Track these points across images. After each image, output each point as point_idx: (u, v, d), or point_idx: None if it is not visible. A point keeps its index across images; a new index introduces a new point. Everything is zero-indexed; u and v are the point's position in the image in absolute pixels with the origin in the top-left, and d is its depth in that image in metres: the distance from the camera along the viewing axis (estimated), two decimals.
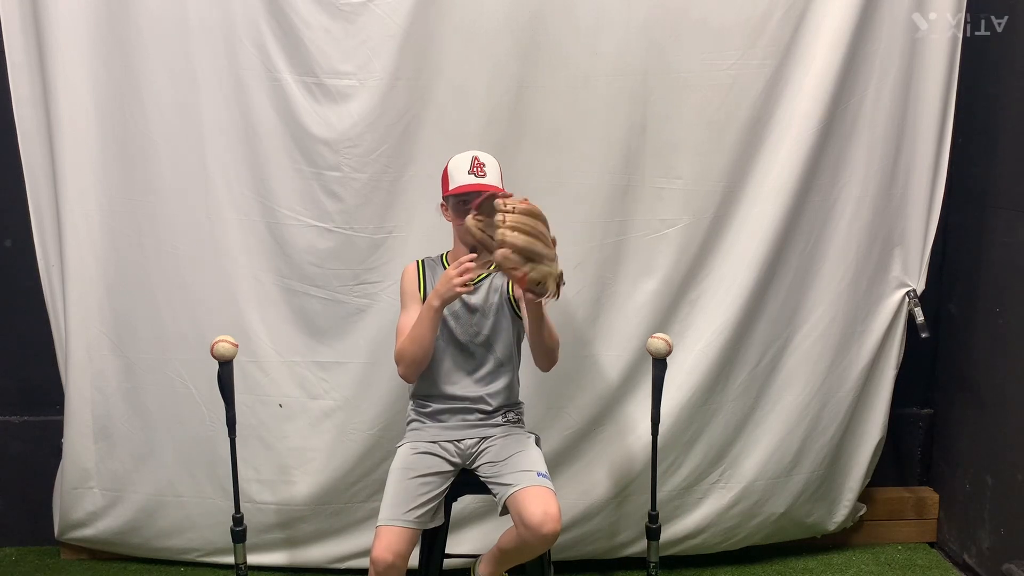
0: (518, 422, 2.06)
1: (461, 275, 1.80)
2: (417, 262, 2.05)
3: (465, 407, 1.99)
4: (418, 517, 1.85)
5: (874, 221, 2.36)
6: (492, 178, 1.93)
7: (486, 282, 2.01)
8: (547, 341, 1.90)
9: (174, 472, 2.43)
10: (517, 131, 2.24)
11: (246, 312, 2.32)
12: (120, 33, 2.20)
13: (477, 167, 1.92)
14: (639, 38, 2.21)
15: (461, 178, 1.92)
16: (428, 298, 1.87)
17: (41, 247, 2.37)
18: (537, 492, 1.83)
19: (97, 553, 2.57)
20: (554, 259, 1.72)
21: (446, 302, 1.85)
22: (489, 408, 2.00)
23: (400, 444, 2.02)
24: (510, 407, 2.05)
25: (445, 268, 1.99)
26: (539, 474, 1.88)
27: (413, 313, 1.97)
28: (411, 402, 2.07)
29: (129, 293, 2.34)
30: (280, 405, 2.37)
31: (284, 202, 2.26)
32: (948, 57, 2.29)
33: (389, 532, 1.81)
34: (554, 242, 1.73)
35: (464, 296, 1.90)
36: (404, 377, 1.99)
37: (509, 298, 2.00)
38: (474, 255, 1.83)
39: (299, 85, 2.20)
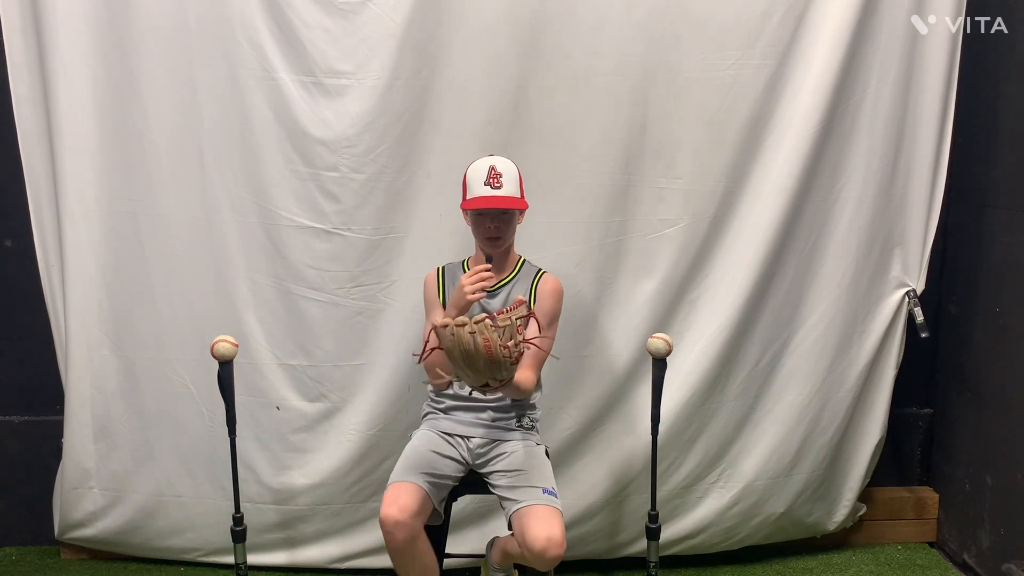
0: (532, 428, 2.05)
1: (475, 283, 1.80)
2: (437, 269, 2.04)
3: (479, 405, 1.99)
4: (429, 481, 1.85)
5: (874, 221, 2.36)
6: (509, 188, 1.90)
7: (505, 289, 1.99)
8: (515, 395, 1.91)
9: (174, 472, 2.43)
10: (517, 131, 2.24)
11: (244, 314, 2.32)
12: (120, 33, 2.20)
13: (493, 178, 1.89)
14: (639, 38, 2.21)
15: (477, 189, 1.90)
16: (446, 310, 1.88)
17: (41, 247, 2.37)
18: (542, 512, 1.81)
19: (97, 553, 2.57)
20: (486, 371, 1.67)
21: (462, 311, 1.84)
22: (503, 404, 1.99)
23: (416, 431, 2.04)
24: (523, 412, 2.03)
25: (465, 270, 1.98)
26: (545, 491, 1.87)
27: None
28: (428, 396, 2.08)
29: (129, 293, 2.34)
30: (277, 408, 2.37)
31: (281, 203, 2.25)
32: (948, 57, 2.29)
33: (397, 488, 1.81)
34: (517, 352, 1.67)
35: (483, 302, 1.91)
36: (436, 388, 2.00)
37: (528, 306, 1.98)
38: (488, 264, 1.83)
39: (297, 84, 2.19)
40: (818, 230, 2.35)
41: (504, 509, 1.90)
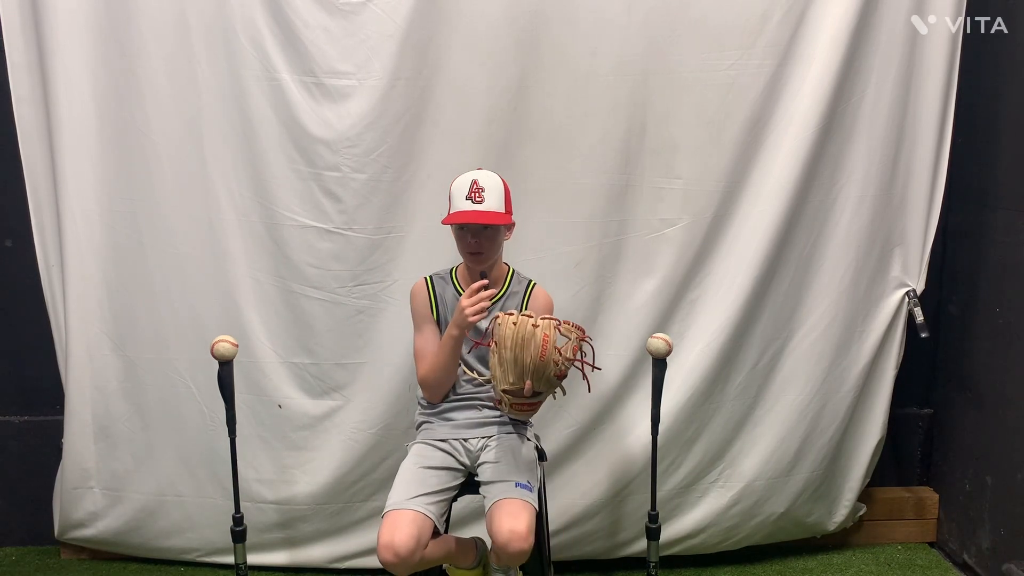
0: (526, 423, 2.05)
1: (474, 304, 1.81)
2: (425, 279, 2.01)
3: (473, 404, 1.99)
4: (427, 504, 1.82)
5: (874, 221, 2.36)
6: (491, 203, 1.87)
7: (496, 306, 1.97)
8: (526, 416, 1.93)
9: (174, 472, 2.43)
10: (517, 131, 2.24)
11: (245, 313, 2.32)
12: (120, 33, 2.20)
13: (475, 192, 1.86)
14: (639, 38, 2.21)
15: (459, 203, 1.88)
16: (448, 328, 1.88)
17: (41, 247, 2.37)
18: (509, 506, 1.79)
19: (97, 553, 2.57)
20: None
21: (465, 331, 1.86)
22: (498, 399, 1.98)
23: (411, 443, 2.01)
24: None
25: (455, 285, 1.99)
26: (518, 484, 1.84)
27: (428, 334, 1.97)
28: (419, 405, 2.06)
29: (129, 293, 2.34)
30: (279, 406, 2.37)
31: (283, 203, 2.26)
32: (948, 57, 2.29)
33: (393, 520, 1.77)
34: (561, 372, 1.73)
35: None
36: (430, 399, 2.00)
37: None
38: (486, 280, 1.85)
39: (298, 85, 2.20)
40: (818, 230, 2.35)
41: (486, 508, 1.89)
